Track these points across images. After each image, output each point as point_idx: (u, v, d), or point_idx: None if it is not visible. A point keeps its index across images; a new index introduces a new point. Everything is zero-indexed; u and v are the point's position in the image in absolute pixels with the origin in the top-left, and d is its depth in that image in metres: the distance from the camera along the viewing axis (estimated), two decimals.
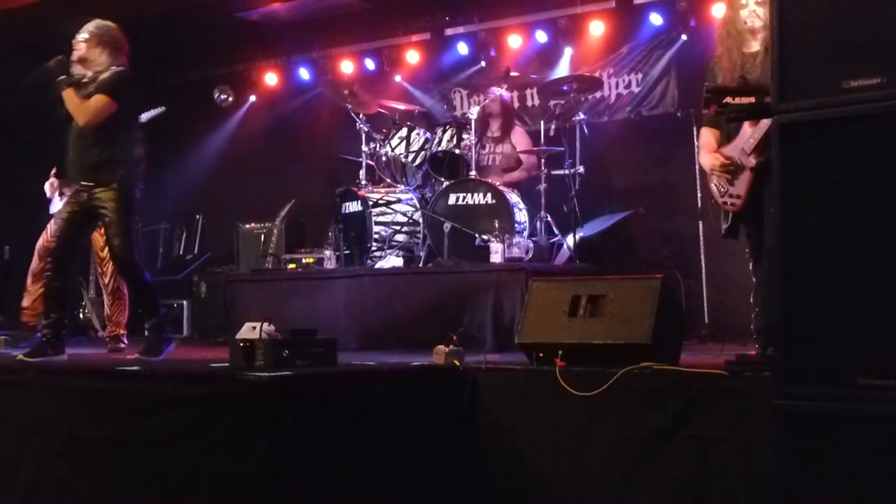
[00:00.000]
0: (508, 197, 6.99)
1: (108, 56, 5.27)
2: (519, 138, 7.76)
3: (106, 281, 6.44)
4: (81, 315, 8.56)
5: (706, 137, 4.70)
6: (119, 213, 5.16)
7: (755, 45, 4.49)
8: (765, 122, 4.21)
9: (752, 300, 4.79)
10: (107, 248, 5.92)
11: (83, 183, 5.19)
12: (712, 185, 4.63)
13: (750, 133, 4.42)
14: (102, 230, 5.69)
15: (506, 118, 7.80)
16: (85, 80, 5.23)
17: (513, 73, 7.58)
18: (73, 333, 8.24)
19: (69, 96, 5.13)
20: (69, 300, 5.48)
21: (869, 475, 2.83)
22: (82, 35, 5.28)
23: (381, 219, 7.35)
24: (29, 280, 6.58)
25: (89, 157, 5.17)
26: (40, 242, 6.49)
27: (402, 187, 7.53)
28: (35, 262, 6.49)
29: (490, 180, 7.17)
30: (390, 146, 7.56)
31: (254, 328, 4.38)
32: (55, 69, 5.18)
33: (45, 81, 5.17)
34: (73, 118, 5.15)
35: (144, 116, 6.26)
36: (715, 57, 4.72)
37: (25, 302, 6.54)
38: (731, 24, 4.57)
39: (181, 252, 9.90)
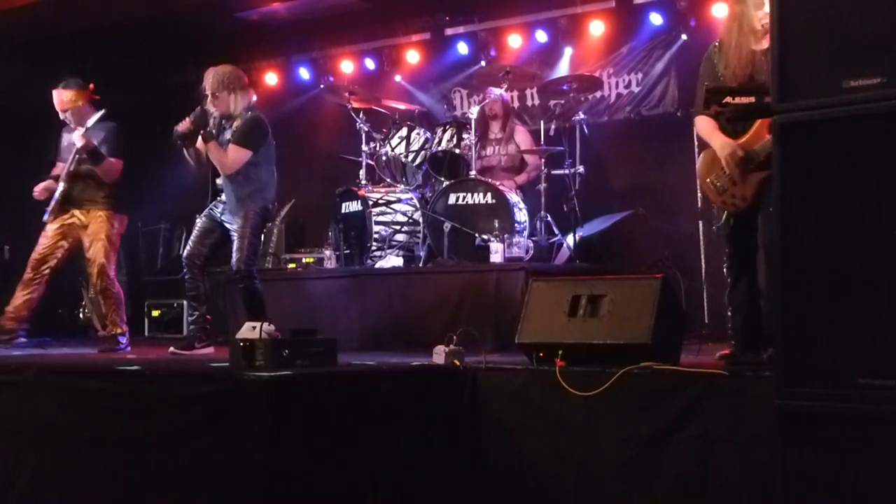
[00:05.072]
0: (508, 197, 6.99)
1: (238, 96, 5.85)
2: (522, 137, 7.75)
3: (94, 281, 6.46)
4: (81, 315, 8.56)
5: (710, 122, 4.54)
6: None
7: (765, 44, 4.33)
8: None
9: (725, 300, 4.77)
10: (89, 252, 6.35)
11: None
12: (708, 180, 4.53)
13: (768, 138, 4.31)
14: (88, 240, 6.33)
15: (506, 118, 7.80)
16: (222, 123, 5.86)
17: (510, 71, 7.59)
18: (73, 333, 8.27)
19: (212, 148, 5.72)
20: (208, 299, 6.03)
21: (869, 475, 2.83)
22: (210, 86, 5.80)
23: (381, 218, 7.35)
24: (19, 287, 6.50)
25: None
26: (34, 254, 6.43)
27: (402, 187, 7.53)
28: (28, 272, 6.40)
29: (498, 182, 7.17)
30: (390, 146, 7.56)
31: (254, 328, 4.38)
32: (198, 120, 5.70)
33: (188, 135, 5.73)
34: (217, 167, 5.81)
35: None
36: (716, 45, 4.62)
37: (10, 307, 6.49)
38: (742, 20, 4.44)
39: (181, 252, 9.89)
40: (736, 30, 4.48)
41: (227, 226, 5.87)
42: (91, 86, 6.40)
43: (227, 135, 5.82)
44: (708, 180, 4.55)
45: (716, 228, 4.65)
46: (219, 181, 5.95)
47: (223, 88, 5.80)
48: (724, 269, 4.77)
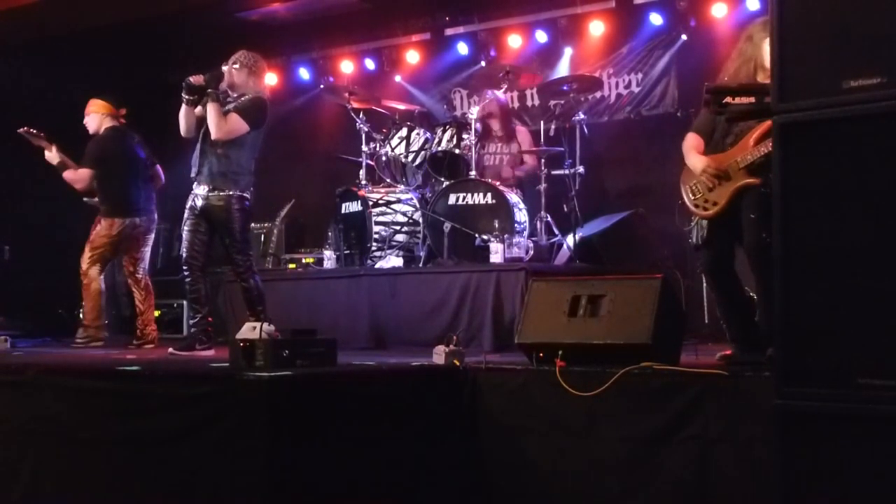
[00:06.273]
0: (508, 197, 6.99)
1: (253, 80, 5.96)
2: (523, 137, 7.77)
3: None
4: (81, 315, 8.55)
5: (693, 140, 4.69)
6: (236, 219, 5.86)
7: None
8: (767, 146, 4.22)
9: (718, 313, 4.82)
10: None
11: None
12: (687, 186, 4.63)
13: (751, 149, 4.41)
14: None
15: (505, 118, 7.80)
16: (229, 99, 5.90)
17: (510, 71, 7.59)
18: (74, 333, 8.26)
19: (213, 108, 5.73)
20: (209, 301, 6.11)
21: (869, 475, 2.83)
22: (235, 59, 5.93)
23: (381, 219, 7.35)
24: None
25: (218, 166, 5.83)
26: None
27: (402, 187, 7.53)
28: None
29: (498, 182, 7.17)
30: (390, 146, 7.56)
31: (254, 328, 4.38)
32: (212, 78, 5.81)
33: (198, 89, 5.79)
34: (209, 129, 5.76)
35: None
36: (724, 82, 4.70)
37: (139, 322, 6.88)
38: (751, 62, 4.49)
39: (181, 252, 9.89)
40: (743, 64, 4.53)
41: (209, 210, 5.83)
42: (101, 101, 6.92)
43: (228, 108, 5.86)
44: (688, 185, 4.64)
45: (693, 241, 4.70)
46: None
47: (245, 66, 5.92)
48: (704, 281, 4.79)
